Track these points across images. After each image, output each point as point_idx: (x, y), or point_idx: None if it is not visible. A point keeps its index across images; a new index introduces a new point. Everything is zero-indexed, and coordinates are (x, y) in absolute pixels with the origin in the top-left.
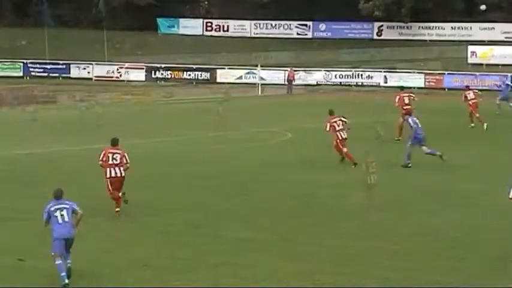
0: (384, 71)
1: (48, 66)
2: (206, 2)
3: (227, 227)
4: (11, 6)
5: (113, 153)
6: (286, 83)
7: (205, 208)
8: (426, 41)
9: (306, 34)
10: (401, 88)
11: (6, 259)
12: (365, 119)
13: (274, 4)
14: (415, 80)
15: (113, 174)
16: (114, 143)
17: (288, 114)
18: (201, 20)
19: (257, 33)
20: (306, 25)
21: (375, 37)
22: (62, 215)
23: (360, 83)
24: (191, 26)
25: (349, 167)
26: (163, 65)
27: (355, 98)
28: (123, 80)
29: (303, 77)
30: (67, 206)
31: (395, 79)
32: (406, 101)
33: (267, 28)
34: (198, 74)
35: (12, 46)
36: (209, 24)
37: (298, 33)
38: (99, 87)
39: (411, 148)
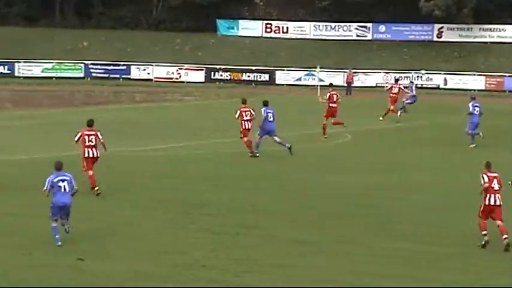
0: (444, 73)
1: (109, 67)
2: (261, 3)
3: (281, 229)
4: (73, 8)
5: (89, 135)
6: (345, 84)
7: (259, 209)
8: (487, 43)
9: (366, 36)
10: (330, 85)
11: (67, 258)
12: (422, 121)
13: (334, 6)
14: (476, 82)
15: (90, 155)
16: (90, 124)
17: (347, 115)
18: (260, 21)
19: (316, 35)
20: (365, 27)
21: (435, 39)
22: (64, 186)
23: (420, 85)
24: (250, 28)
25: (405, 170)
26: (222, 66)
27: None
28: (183, 81)
29: (362, 79)
30: (68, 178)
31: (456, 81)
32: (335, 99)
33: (326, 30)
34: (257, 76)
35: (74, 47)
36: (269, 25)
37: (357, 35)
38: (159, 88)
39: (260, 139)
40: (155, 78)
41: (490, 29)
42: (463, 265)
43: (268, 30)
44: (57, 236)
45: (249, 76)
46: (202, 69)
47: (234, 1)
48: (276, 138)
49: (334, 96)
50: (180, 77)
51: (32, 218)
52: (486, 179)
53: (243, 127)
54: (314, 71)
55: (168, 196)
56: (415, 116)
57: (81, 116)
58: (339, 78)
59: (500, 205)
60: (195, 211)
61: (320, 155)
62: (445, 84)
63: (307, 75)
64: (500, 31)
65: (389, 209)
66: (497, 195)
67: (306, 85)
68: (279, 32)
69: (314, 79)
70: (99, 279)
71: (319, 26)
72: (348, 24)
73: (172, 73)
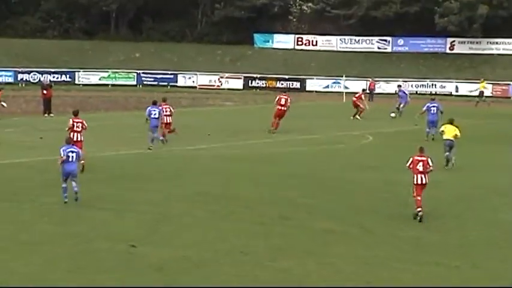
0: (455, 82)
1: (158, 76)
2: (295, 20)
3: (314, 220)
4: (127, 23)
5: (76, 122)
6: (368, 91)
7: (293, 203)
8: (494, 55)
9: (386, 48)
10: (284, 91)
11: (121, 245)
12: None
13: (358, 22)
14: (484, 89)
15: (75, 139)
16: (76, 113)
17: (369, 119)
18: (292, 35)
19: (342, 48)
20: (386, 40)
21: (448, 51)
22: (72, 156)
23: (434, 92)
24: (283, 41)
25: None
26: (258, 75)
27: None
28: (223, 88)
29: (383, 86)
30: (76, 151)
31: (466, 88)
32: (283, 102)
33: (351, 43)
34: (289, 83)
35: (127, 58)
36: (300, 39)
37: (378, 48)
38: (202, 94)
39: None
40: (199, 85)
41: (497, 42)
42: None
43: (300, 43)
44: (65, 194)
45: (282, 84)
46: (240, 78)
47: (269, 17)
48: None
49: (283, 99)
50: (221, 84)
51: (90, 209)
52: (410, 162)
53: (164, 121)
54: (340, 79)
55: (209, 190)
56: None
57: (134, 119)
58: (362, 86)
59: (424, 183)
60: (234, 203)
61: (347, 154)
62: (457, 91)
63: (334, 83)
64: (506, 44)
65: (409, 202)
66: (421, 175)
67: (333, 92)
68: (309, 45)
69: (340, 86)
70: (150, 263)
71: (344, 39)
72: (370, 38)
73: (214, 81)
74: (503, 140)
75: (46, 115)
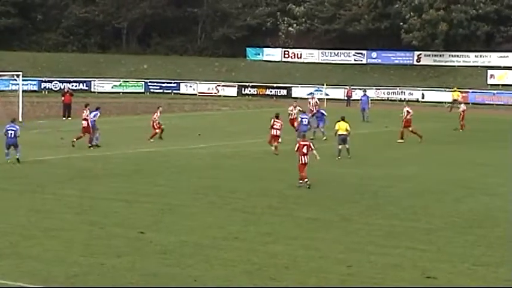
0: (422, 89)
1: (164, 84)
2: (283, 36)
3: (300, 209)
4: (136, 39)
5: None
6: (345, 98)
7: (281, 194)
8: (455, 66)
9: (361, 60)
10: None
11: (131, 232)
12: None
13: (337, 37)
14: (446, 96)
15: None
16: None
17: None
18: (280, 49)
19: (323, 60)
20: (361, 53)
21: (415, 63)
22: (11, 133)
23: (403, 99)
24: (272, 54)
25: (393, 165)
26: (250, 84)
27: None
28: (220, 95)
29: (358, 94)
30: (14, 128)
31: (431, 95)
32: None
33: (331, 56)
34: (277, 91)
35: (136, 69)
36: (286, 52)
37: (355, 60)
38: (202, 100)
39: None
40: (199, 93)
41: (458, 56)
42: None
43: (286, 56)
44: (7, 157)
45: (271, 91)
46: (235, 86)
47: (259, 34)
48: None
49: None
50: (217, 92)
51: (105, 200)
52: (296, 146)
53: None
54: (322, 87)
55: (208, 183)
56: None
57: (142, 122)
58: (340, 93)
59: (305, 163)
60: (230, 195)
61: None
62: (423, 98)
63: (316, 90)
64: (465, 57)
65: (381, 194)
66: (304, 156)
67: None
68: (294, 57)
69: (322, 93)
70: (156, 247)
71: (325, 52)
72: (347, 51)
73: (212, 89)
74: (466, 140)
75: (64, 118)
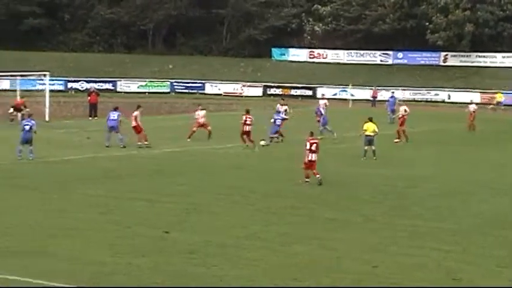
0: (448, 90)
1: (189, 84)
2: (308, 36)
3: (320, 209)
4: (162, 39)
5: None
6: (371, 99)
7: (302, 195)
8: (482, 67)
9: (387, 61)
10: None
11: (155, 231)
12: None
13: (363, 37)
14: (473, 97)
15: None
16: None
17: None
18: (306, 49)
19: (349, 60)
20: (387, 54)
21: (441, 63)
22: (26, 126)
23: (429, 99)
24: (298, 54)
25: (415, 166)
26: (275, 84)
27: (423, 111)
28: (245, 95)
29: (384, 94)
30: (30, 123)
31: (457, 96)
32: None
33: (357, 56)
34: (303, 91)
35: (161, 69)
36: (312, 52)
37: (381, 60)
38: (227, 100)
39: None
40: (224, 93)
41: (484, 56)
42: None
43: (312, 56)
44: (19, 154)
45: (296, 91)
46: (260, 86)
47: (285, 34)
48: None
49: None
50: (243, 92)
51: (129, 199)
52: (308, 145)
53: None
54: (347, 87)
55: (232, 183)
56: (425, 123)
57: (167, 122)
58: (366, 94)
59: (314, 160)
60: (252, 195)
61: (351, 153)
62: (449, 98)
63: (341, 91)
64: (492, 58)
65: (407, 194)
66: (312, 154)
67: (340, 99)
68: (320, 58)
69: (347, 94)
70: (181, 247)
71: (351, 53)
72: (373, 52)
73: (237, 89)
74: (490, 141)
75: (91, 118)
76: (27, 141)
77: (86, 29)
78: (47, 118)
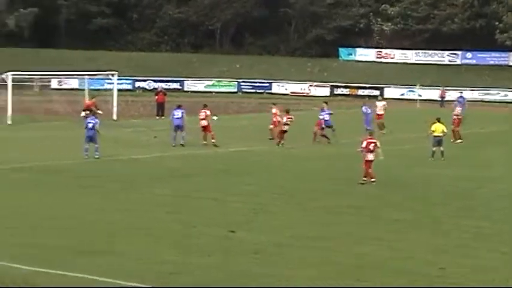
0: None
1: (256, 84)
2: (377, 37)
3: (385, 210)
4: (229, 39)
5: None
6: (439, 99)
7: (366, 195)
8: None
9: (456, 61)
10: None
11: (221, 231)
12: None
13: (431, 37)
14: None
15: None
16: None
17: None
18: (373, 49)
19: (417, 60)
20: (455, 54)
21: (510, 63)
22: (89, 124)
23: (498, 100)
24: (365, 54)
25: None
26: (343, 84)
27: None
28: (312, 95)
29: (452, 95)
30: (93, 121)
31: None
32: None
33: (424, 56)
34: (370, 91)
35: (229, 69)
36: (379, 52)
37: (449, 61)
38: (294, 100)
39: None
40: (291, 92)
41: None
42: None
43: (379, 56)
44: (86, 153)
45: (363, 91)
46: (327, 86)
47: (352, 34)
48: None
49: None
50: (310, 92)
51: (196, 198)
52: (364, 143)
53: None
54: (414, 88)
55: (299, 184)
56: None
57: (234, 121)
58: (434, 94)
59: (372, 160)
60: (319, 196)
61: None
62: None
63: (409, 91)
64: None
65: (474, 195)
66: (370, 154)
67: (407, 99)
68: (387, 58)
69: (414, 94)
70: (247, 246)
71: (419, 53)
72: (441, 51)
73: (304, 89)
74: None
75: (158, 117)
76: (90, 139)
77: (154, 29)
78: (114, 117)
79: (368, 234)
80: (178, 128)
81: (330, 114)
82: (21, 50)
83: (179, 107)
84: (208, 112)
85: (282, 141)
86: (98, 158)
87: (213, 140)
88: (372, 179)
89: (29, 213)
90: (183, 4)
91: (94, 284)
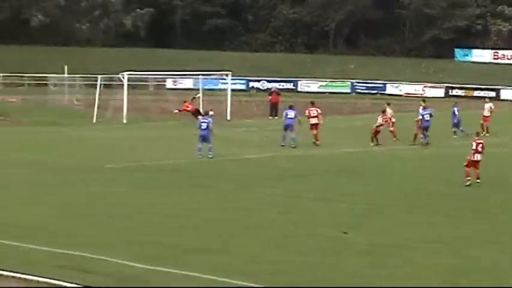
0: None
1: (370, 85)
2: (494, 37)
3: (501, 214)
4: (343, 39)
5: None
6: None
7: (485, 198)
8: None
9: None
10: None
11: (333, 231)
12: None
13: None
14: None
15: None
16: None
17: None
18: (489, 50)
19: None
20: None
21: None
22: (203, 124)
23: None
24: (481, 55)
25: None
26: (458, 85)
27: None
28: (426, 96)
29: None
30: (207, 121)
31: None
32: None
33: None
34: (486, 93)
35: (342, 69)
36: (496, 54)
37: None
38: (407, 101)
39: None
40: (405, 93)
41: None
42: None
43: (496, 57)
44: (199, 152)
45: (479, 93)
46: (442, 87)
47: (468, 35)
48: None
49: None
50: (424, 93)
51: (308, 199)
52: (474, 145)
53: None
54: None
55: (411, 185)
56: None
57: (347, 122)
58: None
59: (479, 160)
60: (432, 198)
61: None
62: None
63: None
64: None
65: None
66: (478, 154)
67: None
68: (504, 59)
69: None
70: (359, 247)
71: None
72: None
73: (418, 90)
74: None
75: (271, 117)
76: (204, 139)
77: (268, 29)
78: (228, 117)
79: (486, 237)
80: (288, 127)
81: (430, 115)
82: (137, 50)
83: (291, 107)
84: (319, 110)
85: (375, 142)
86: (211, 157)
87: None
88: (477, 180)
89: (143, 211)
90: (297, 4)
91: (208, 283)
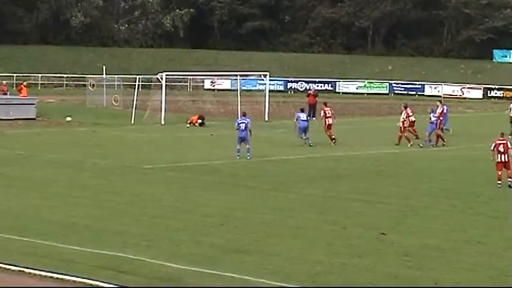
0: None
1: (408, 86)
2: None
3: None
4: (382, 40)
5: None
6: None
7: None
8: None
9: None
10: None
11: (372, 232)
12: None
13: None
14: None
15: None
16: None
17: None
18: None
19: None
20: None
21: None
22: (242, 125)
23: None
24: None
25: None
26: (497, 86)
27: None
28: (465, 98)
29: None
30: (245, 121)
31: None
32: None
33: None
34: None
35: (381, 70)
36: None
37: None
38: (446, 102)
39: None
40: (443, 94)
41: None
42: None
43: None
44: (238, 153)
45: None
46: (480, 89)
47: (507, 35)
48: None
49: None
50: (462, 94)
51: (347, 200)
52: (493, 145)
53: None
54: None
55: (450, 186)
56: None
57: (385, 123)
58: None
59: (506, 161)
60: (472, 199)
61: None
62: None
63: None
64: None
65: None
66: (503, 155)
67: None
68: None
69: None
70: (397, 249)
71: None
72: None
73: (457, 91)
74: None
75: (309, 118)
76: (242, 140)
77: (306, 30)
78: (266, 118)
79: None
80: (302, 129)
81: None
82: (176, 50)
83: (302, 110)
84: (332, 111)
85: (411, 141)
86: (249, 158)
87: (332, 139)
88: (509, 179)
89: (182, 211)
90: (335, 4)
91: (243, 284)
